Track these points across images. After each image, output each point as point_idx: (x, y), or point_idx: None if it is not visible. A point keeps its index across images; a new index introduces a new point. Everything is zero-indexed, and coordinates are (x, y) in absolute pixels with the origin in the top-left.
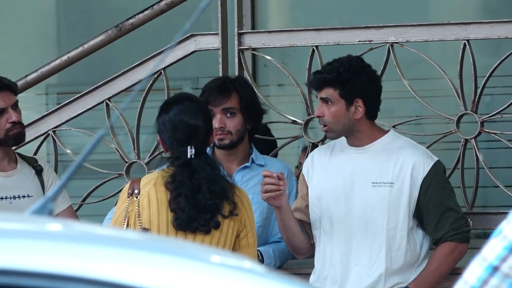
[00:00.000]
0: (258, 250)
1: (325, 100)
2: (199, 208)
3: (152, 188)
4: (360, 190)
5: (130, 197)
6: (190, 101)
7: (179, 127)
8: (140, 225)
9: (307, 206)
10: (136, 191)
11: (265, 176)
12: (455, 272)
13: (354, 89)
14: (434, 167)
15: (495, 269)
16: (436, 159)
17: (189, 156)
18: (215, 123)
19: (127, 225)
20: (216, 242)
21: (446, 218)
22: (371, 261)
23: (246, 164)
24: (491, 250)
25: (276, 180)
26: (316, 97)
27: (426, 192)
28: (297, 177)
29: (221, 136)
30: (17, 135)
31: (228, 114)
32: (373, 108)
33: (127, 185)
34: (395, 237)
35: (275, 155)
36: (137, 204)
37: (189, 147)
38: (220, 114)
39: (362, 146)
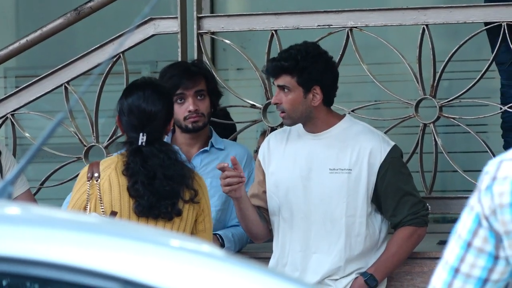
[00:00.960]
0: (218, 234)
1: (282, 88)
2: (158, 194)
3: (113, 171)
4: (318, 177)
5: (90, 181)
6: (152, 88)
7: (135, 112)
8: (102, 209)
9: (264, 192)
10: (96, 175)
11: (222, 169)
12: (414, 257)
13: (312, 77)
14: (391, 152)
15: (469, 244)
16: (393, 144)
17: (140, 142)
18: (189, 106)
19: (89, 209)
20: (176, 228)
21: (404, 203)
22: (330, 248)
23: (206, 148)
24: (463, 226)
25: (237, 172)
26: (273, 83)
27: (384, 177)
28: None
29: (195, 119)
30: None
31: (199, 97)
32: (330, 95)
33: (86, 169)
34: (354, 223)
35: (234, 139)
36: (98, 188)
37: (141, 134)
38: (192, 98)
39: (319, 132)
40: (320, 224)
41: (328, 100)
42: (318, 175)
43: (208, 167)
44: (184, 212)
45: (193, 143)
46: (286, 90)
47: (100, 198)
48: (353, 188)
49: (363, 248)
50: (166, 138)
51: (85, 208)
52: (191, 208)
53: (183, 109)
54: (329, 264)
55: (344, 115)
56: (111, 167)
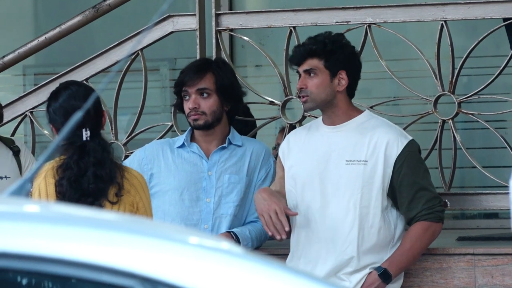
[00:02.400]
0: (232, 232)
1: (308, 72)
2: (81, 191)
3: (42, 181)
4: (334, 168)
5: None
6: (77, 86)
7: (70, 112)
8: None
9: (284, 187)
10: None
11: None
12: (433, 253)
13: (339, 61)
14: (408, 146)
15: None
16: (410, 138)
17: (84, 138)
18: (189, 104)
19: None
20: None
21: (419, 197)
22: (342, 238)
23: (224, 145)
24: None
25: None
26: (297, 72)
27: (400, 170)
28: (275, 157)
29: (195, 117)
30: None
31: (204, 95)
32: (355, 83)
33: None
34: (368, 214)
35: (254, 136)
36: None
37: (84, 130)
38: (195, 95)
39: (338, 124)
40: (334, 215)
41: (352, 88)
42: (335, 166)
43: (226, 164)
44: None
45: (210, 140)
46: (312, 74)
47: None
48: (368, 179)
49: (376, 241)
50: (186, 134)
51: None
52: (121, 206)
53: (186, 107)
54: (342, 254)
55: (364, 110)
56: (41, 176)
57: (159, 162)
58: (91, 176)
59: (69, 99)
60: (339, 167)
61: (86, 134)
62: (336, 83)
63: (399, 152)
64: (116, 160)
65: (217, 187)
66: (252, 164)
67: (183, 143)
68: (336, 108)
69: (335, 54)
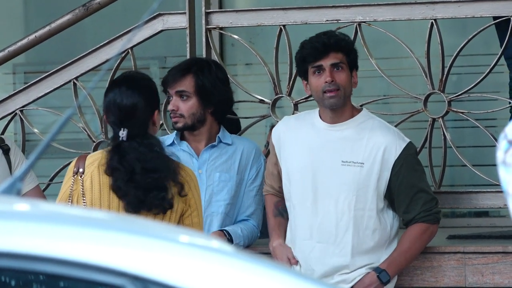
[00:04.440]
0: (226, 230)
1: (335, 66)
2: (142, 188)
3: (96, 169)
4: (329, 168)
5: (75, 176)
6: (129, 82)
7: (111, 109)
8: (84, 204)
9: (279, 172)
10: (81, 170)
11: None
12: (424, 251)
13: (355, 59)
14: (406, 149)
15: None
16: (408, 140)
17: (120, 138)
18: (170, 106)
19: (71, 204)
20: (167, 220)
21: (417, 199)
22: (337, 240)
23: (213, 143)
24: None
25: None
26: (316, 67)
27: (398, 173)
28: (266, 156)
29: (174, 119)
30: None
31: (183, 97)
32: None
33: (73, 162)
34: (363, 217)
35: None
36: (81, 184)
37: (121, 130)
38: (175, 97)
39: (338, 122)
40: (328, 215)
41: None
42: (330, 166)
43: (216, 162)
44: (174, 204)
45: (198, 139)
46: (339, 68)
47: (83, 194)
48: (363, 181)
49: (372, 242)
50: (176, 133)
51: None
52: (179, 200)
53: (169, 107)
54: (336, 256)
55: (361, 108)
56: (94, 164)
57: None
58: (142, 172)
59: (114, 96)
60: (335, 167)
61: (122, 134)
62: (352, 81)
63: (397, 156)
64: (171, 156)
65: (207, 185)
66: (243, 162)
67: (173, 141)
68: (345, 106)
69: (355, 52)
